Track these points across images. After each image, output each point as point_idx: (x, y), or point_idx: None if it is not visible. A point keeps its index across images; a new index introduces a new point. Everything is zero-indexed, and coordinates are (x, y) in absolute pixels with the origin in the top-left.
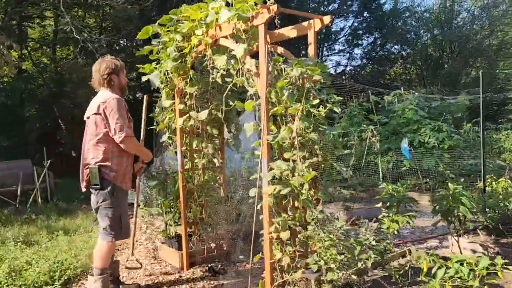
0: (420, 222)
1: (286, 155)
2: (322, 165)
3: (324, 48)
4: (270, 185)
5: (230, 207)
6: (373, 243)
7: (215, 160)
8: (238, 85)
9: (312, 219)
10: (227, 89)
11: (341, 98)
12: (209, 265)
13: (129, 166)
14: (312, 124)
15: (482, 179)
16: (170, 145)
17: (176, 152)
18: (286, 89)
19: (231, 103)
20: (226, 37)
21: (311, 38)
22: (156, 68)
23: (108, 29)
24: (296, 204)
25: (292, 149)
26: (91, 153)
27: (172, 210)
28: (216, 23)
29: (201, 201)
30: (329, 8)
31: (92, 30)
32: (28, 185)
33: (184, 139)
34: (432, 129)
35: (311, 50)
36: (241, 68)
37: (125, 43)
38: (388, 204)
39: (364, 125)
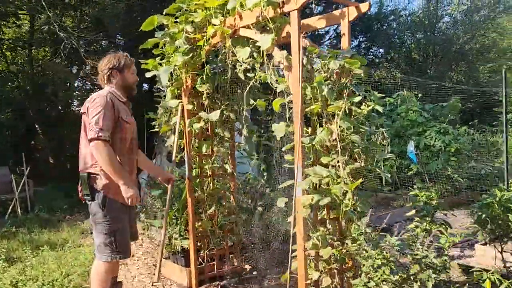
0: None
1: (324, 160)
2: (364, 171)
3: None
4: (305, 194)
5: (245, 218)
6: (434, 260)
7: (227, 166)
8: (259, 82)
9: (360, 234)
10: (249, 86)
11: (382, 94)
12: (221, 284)
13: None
14: (353, 124)
15: (506, 183)
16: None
17: (182, 158)
18: (325, 84)
19: (252, 101)
20: (246, 26)
21: (344, 29)
22: (161, 63)
23: (90, 27)
24: (331, 215)
25: (332, 153)
26: (81, 157)
27: (178, 222)
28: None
29: (212, 212)
30: (314, 11)
31: (74, 28)
32: (5, 194)
33: (192, 142)
34: (437, 131)
35: (344, 42)
36: (266, 62)
37: (118, 40)
38: (423, 212)
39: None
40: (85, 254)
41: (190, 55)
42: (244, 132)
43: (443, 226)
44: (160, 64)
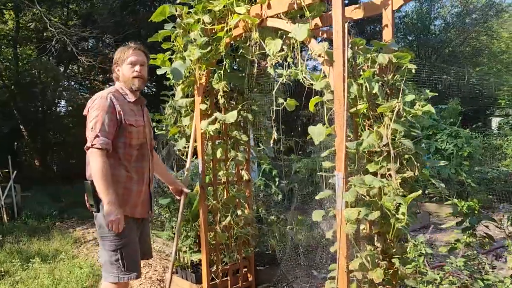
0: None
1: (370, 168)
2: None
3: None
4: (348, 207)
5: (263, 230)
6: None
7: (243, 172)
8: (285, 80)
9: (419, 254)
10: (278, 83)
11: (435, 93)
12: None
13: (134, 185)
14: (405, 127)
15: None
16: (183, 154)
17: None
18: (374, 81)
19: (281, 100)
20: (275, 16)
21: (387, 19)
22: (171, 58)
23: (79, 25)
24: (374, 230)
25: (378, 159)
26: (87, 163)
27: (188, 234)
28: None
29: (227, 223)
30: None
31: (66, 23)
32: None
33: (206, 146)
34: (449, 134)
35: (387, 34)
36: (298, 56)
37: (110, 38)
38: (467, 224)
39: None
40: (81, 267)
41: (208, 48)
42: (274, 135)
43: (486, 239)
44: (170, 59)
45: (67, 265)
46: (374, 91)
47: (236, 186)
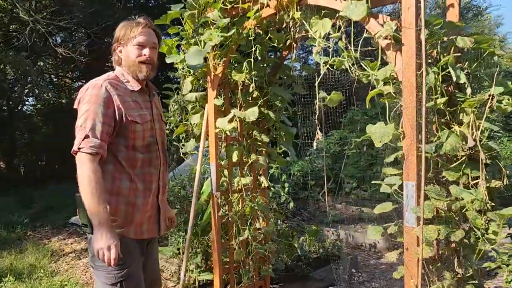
0: None
1: (450, 176)
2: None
3: None
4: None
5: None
6: None
7: (262, 179)
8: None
9: None
10: (322, 73)
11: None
12: None
13: (139, 198)
14: (491, 126)
15: None
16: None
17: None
18: (457, 68)
19: (323, 94)
20: None
21: None
22: (181, 43)
23: (50, 16)
24: (447, 251)
25: (464, 165)
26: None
27: (198, 250)
28: None
29: (245, 238)
30: None
31: (40, 11)
32: None
33: (220, 148)
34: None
35: (453, 15)
36: (345, 40)
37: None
38: None
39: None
40: (64, 286)
41: (231, 32)
42: (319, 135)
43: None
44: (179, 47)
45: (45, 284)
46: (461, 81)
47: (250, 194)
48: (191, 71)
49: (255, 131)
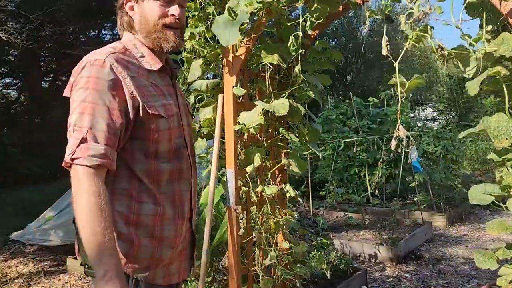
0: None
1: None
2: None
3: None
4: None
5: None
6: None
7: (288, 187)
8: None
9: None
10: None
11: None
12: None
13: (169, 226)
14: None
15: None
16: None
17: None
18: None
19: (401, 79)
20: None
21: None
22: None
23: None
24: None
25: None
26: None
27: (213, 272)
28: None
29: (270, 261)
30: None
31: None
32: None
33: (238, 150)
34: (435, 136)
35: None
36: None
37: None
38: None
39: (345, 132)
40: None
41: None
42: (401, 131)
43: None
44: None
45: None
46: None
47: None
48: (204, 50)
49: (280, 128)
